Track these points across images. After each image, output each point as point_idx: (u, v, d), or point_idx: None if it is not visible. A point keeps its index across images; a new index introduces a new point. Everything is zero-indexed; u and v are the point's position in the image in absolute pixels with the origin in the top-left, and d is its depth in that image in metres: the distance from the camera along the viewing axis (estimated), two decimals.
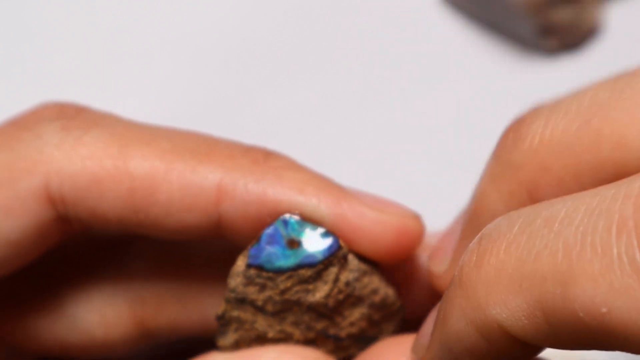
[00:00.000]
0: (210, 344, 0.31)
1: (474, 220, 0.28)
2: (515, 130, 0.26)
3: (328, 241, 0.29)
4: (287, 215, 0.29)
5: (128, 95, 0.51)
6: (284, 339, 0.29)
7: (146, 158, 0.29)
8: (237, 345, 0.29)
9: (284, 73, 0.51)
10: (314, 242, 0.29)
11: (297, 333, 0.29)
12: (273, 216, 0.29)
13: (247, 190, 0.29)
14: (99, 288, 0.32)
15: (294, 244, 0.29)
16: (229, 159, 0.29)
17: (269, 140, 0.51)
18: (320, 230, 0.29)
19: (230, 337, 0.29)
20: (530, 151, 0.26)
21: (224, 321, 0.29)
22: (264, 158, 0.29)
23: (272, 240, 0.29)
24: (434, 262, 0.29)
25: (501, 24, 0.51)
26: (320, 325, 0.29)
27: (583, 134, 0.25)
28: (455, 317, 0.24)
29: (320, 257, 0.28)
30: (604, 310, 0.21)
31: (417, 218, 0.29)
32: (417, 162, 0.49)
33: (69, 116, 0.30)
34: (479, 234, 0.24)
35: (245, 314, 0.29)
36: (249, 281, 0.29)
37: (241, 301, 0.29)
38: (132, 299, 0.32)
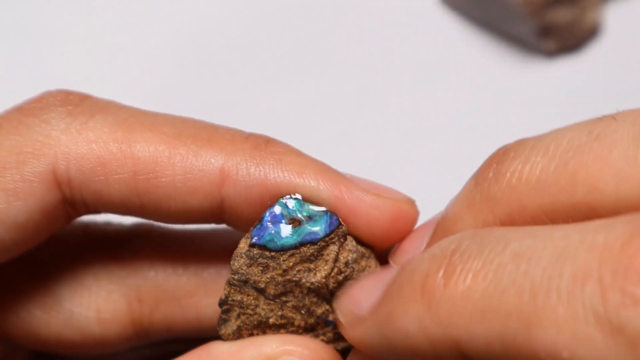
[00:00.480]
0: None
1: (443, 236, 0.29)
2: (497, 162, 0.27)
3: (328, 218, 0.29)
4: (288, 196, 0.29)
5: (125, 91, 0.51)
6: (285, 325, 0.30)
7: (150, 142, 0.30)
8: (239, 332, 0.30)
9: (283, 73, 0.51)
10: (315, 220, 0.29)
11: (298, 318, 0.30)
12: (274, 199, 0.30)
13: (249, 173, 0.30)
14: (97, 285, 0.32)
15: (295, 222, 0.29)
16: (230, 144, 0.30)
17: (270, 135, 0.51)
18: (321, 208, 0.29)
19: (232, 324, 0.30)
20: (508, 187, 0.27)
21: (227, 306, 0.29)
22: (264, 144, 0.30)
23: (275, 219, 0.29)
24: (395, 261, 0.30)
25: (500, 25, 0.51)
26: (320, 309, 0.30)
27: (559, 176, 0.26)
28: (408, 320, 0.25)
29: (321, 234, 0.29)
30: (565, 355, 0.22)
31: (411, 202, 0.31)
32: (416, 161, 0.49)
33: (74, 103, 0.30)
34: (447, 246, 0.25)
35: (248, 298, 0.29)
36: (252, 261, 0.29)
37: (244, 282, 0.29)
38: (130, 297, 0.33)
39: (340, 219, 0.30)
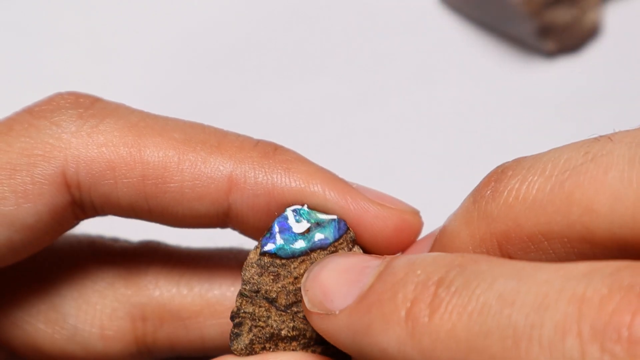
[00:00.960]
0: None
1: (440, 252, 0.29)
2: (495, 180, 0.28)
3: (336, 224, 0.30)
4: (295, 206, 0.30)
5: (127, 91, 0.51)
6: (297, 337, 0.30)
7: (159, 147, 0.30)
8: (251, 347, 0.30)
9: (283, 74, 0.51)
10: (324, 226, 0.30)
11: (310, 330, 0.30)
12: (281, 208, 0.30)
13: (257, 182, 0.30)
14: (102, 302, 0.33)
15: (305, 230, 0.30)
16: (239, 151, 0.30)
17: (270, 138, 0.51)
18: (329, 216, 0.30)
19: (244, 338, 0.30)
20: (505, 206, 0.27)
21: (238, 319, 0.29)
22: (273, 151, 0.30)
23: (284, 228, 0.30)
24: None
25: (500, 26, 0.51)
26: None
27: (555, 196, 0.26)
28: (387, 339, 0.25)
29: (331, 238, 0.30)
30: None
31: (416, 214, 0.31)
32: (415, 161, 0.49)
33: (84, 105, 0.31)
34: (433, 272, 0.25)
35: (260, 310, 0.29)
36: (263, 270, 0.29)
37: (256, 293, 0.29)
38: (134, 315, 0.33)
39: (348, 225, 0.30)
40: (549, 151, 0.27)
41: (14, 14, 0.53)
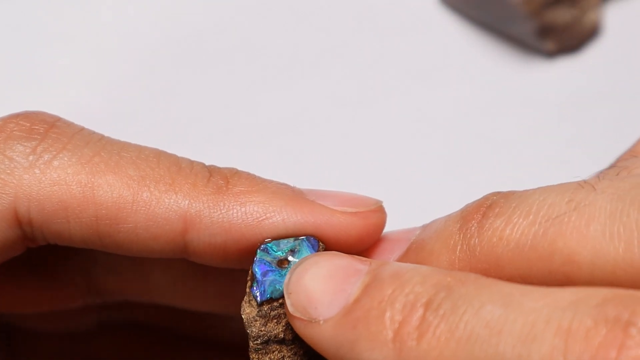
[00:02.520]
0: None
1: (414, 262, 0.29)
2: (483, 215, 0.28)
3: (308, 242, 0.30)
4: (261, 246, 0.30)
5: (123, 91, 0.51)
6: (310, 359, 0.30)
7: (113, 187, 0.29)
8: None
9: (282, 73, 0.51)
10: (299, 250, 0.30)
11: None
12: (240, 245, 0.30)
13: (213, 222, 0.30)
14: None
15: (284, 262, 0.30)
16: (193, 189, 0.30)
17: (270, 139, 0.51)
18: (297, 239, 0.30)
19: None
20: (488, 245, 0.28)
21: None
22: (225, 184, 0.30)
23: (265, 270, 0.29)
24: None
25: (500, 26, 0.51)
26: None
27: (538, 243, 0.27)
28: (375, 356, 0.26)
29: None
30: None
31: (377, 211, 0.31)
32: (415, 161, 0.49)
33: (38, 135, 0.30)
34: (421, 293, 0.26)
35: (273, 354, 0.30)
36: (266, 319, 0.29)
37: (266, 343, 0.29)
38: (85, 258, 0.33)
39: (317, 238, 0.30)
40: (535, 191, 0.28)
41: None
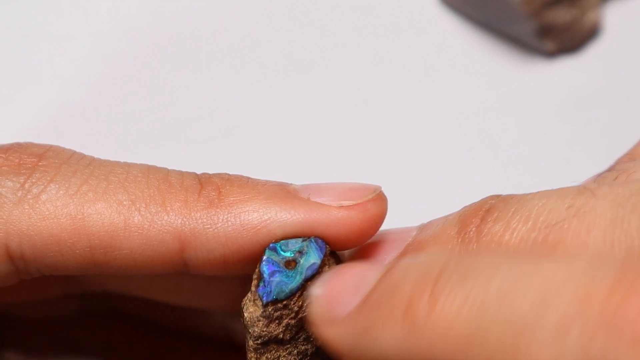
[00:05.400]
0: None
1: None
2: (482, 219, 0.28)
3: (315, 244, 0.30)
4: (270, 245, 0.29)
5: (124, 91, 0.51)
6: (302, 358, 0.30)
7: (104, 215, 0.29)
8: None
9: (281, 73, 0.51)
10: (307, 252, 0.30)
11: (309, 347, 0.30)
12: (237, 255, 0.29)
13: (208, 239, 0.29)
14: None
15: (291, 263, 0.29)
16: (184, 206, 0.29)
17: (269, 138, 0.51)
18: (305, 239, 0.30)
19: None
20: (487, 251, 0.27)
21: None
22: (218, 195, 0.30)
23: (273, 270, 0.29)
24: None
25: (500, 26, 0.51)
26: None
27: (538, 249, 0.26)
28: (386, 340, 0.25)
29: (319, 261, 0.29)
30: None
31: (377, 199, 0.30)
32: (415, 161, 0.49)
33: (27, 170, 0.30)
34: (432, 265, 0.25)
35: (271, 354, 0.30)
36: (269, 320, 0.29)
37: (266, 343, 0.29)
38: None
39: (324, 240, 0.30)
40: (534, 196, 0.27)
41: None
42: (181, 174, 0.30)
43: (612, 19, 0.51)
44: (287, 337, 0.30)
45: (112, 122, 0.50)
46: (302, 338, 0.30)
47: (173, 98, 0.51)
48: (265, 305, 0.29)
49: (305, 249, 0.29)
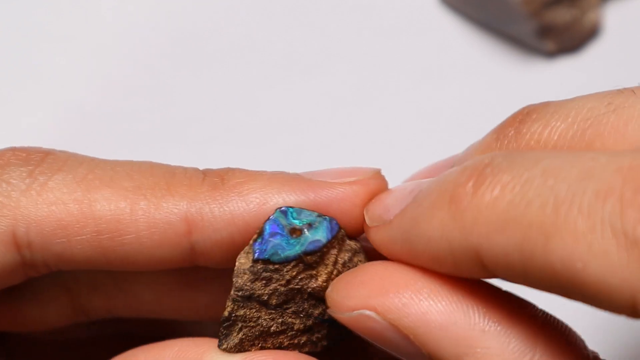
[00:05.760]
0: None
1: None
2: (520, 122, 0.28)
3: (328, 224, 0.29)
4: (282, 207, 0.29)
5: (124, 92, 0.51)
6: (285, 330, 0.30)
7: (110, 200, 0.29)
8: (241, 345, 0.30)
9: (281, 73, 0.51)
10: (316, 227, 0.29)
11: (297, 322, 0.30)
12: (244, 234, 0.29)
13: (215, 216, 0.29)
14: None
15: (296, 231, 0.29)
16: (189, 189, 0.30)
17: (269, 139, 0.51)
18: (320, 215, 0.29)
19: (234, 338, 0.30)
20: (526, 148, 0.28)
21: (229, 322, 0.29)
22: (221, 180, 0.30)
23: (275, 231, 0.29)
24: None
25: (500, 26, 0.51)
26: (317, 311, 0.30)
27: (576, 144, 0.27)
28: (432, 226, 0.26)
29: (324, 240, 0.29)
30: (579, 265, 0.23)
31: (377, 176, 0.31)
32: (415, 161, 0.49)
33: (35, 161, 0.30)
34: (480, 160, 0.26)
35: (251, 312, 0.29)
36: (255, 277, 0.29)
37: (248, 298, 0.29)
38: (67, 278, 0.33)
39: (339, 223, 0.29)
40: (574, 99, 0.28)
41: None
42: (184, 168, 0.31)
43: (612, 19, 0.51)
44: (273, 302, 0.29)
45: (112, 122, 0.50)
46: (290, 310, 0.30)
47: (173, 98, 0.51)
48: (254, 261, 0.29)
49: (317, 224, 0.29)
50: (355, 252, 0.30)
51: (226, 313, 0.29)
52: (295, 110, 0.50)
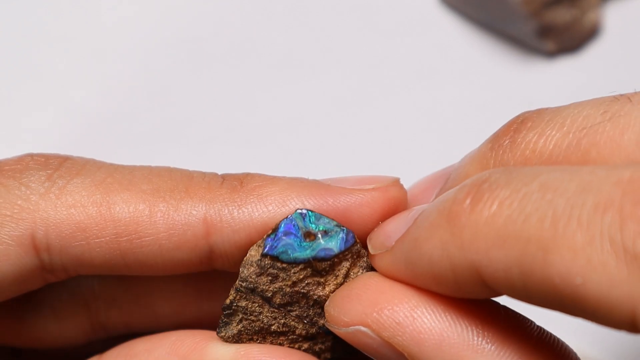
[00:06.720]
0: None
1: None
2: (515, 130, 0.28)
3: (345, 235, 0.29)
4: (302, 210, 0.29)
5: (124, 92, 0.51)
6: (286, 332, 0.30)
7: (129, 203, 0.29)
8: (239, 337, 0.30)
9: (282, 73, 0.51)
10: (331, 236, 0.29)
11: (299, 327, 0.30)
12: (262, 236, 0.29)
13: (233, 218, 0.29)
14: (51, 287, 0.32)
15: (311, 236, 0.29)
16: (208, 192, 0.30)
17: (270, 139, 0.51)
18: (338, 225, 0.29)
19: (233, 328, 0.30)
20: (522, 157, 0.27)
21: (230, 311, 0.29)
22: (240, 183, 0.30)
23: (289, 231, 0.29)
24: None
25: (500, 26, 0.51)
26: (322, 320, 0.30)
27: (572, 153, 0.27)
28: (432, 245, 0.26)
29: (336, 250, 0.29)
30: (578, 280, 0.23)
31: (396, 184, 0.30)
32: (414, 161, 0.49)
33: (53, 166, 0.30)
34: (478, 177, 0.26)
35: (253, 305, 0.29)
36: (262, 271, 0.29)
37: (251, 291, 0.29)
38: (85, 294, 0.33)
39: (355, 236, 0.29)
40: (569, 105, 0.27)
41: None
42: (202, 172, 0.31)
43: (612, 19, 0.51)
44: (277, 300, 0.29)
45: (112, 123, 0.50)
46: (294, 313, 0.30)
47: (173, 99, 0.51)
48: (263, 255, 0.29)
49: (332, 233, 0.29)
50: (370, 270, 0.30)
51: (228, 301, 0.29)
52: (295, 110, 0.50)
